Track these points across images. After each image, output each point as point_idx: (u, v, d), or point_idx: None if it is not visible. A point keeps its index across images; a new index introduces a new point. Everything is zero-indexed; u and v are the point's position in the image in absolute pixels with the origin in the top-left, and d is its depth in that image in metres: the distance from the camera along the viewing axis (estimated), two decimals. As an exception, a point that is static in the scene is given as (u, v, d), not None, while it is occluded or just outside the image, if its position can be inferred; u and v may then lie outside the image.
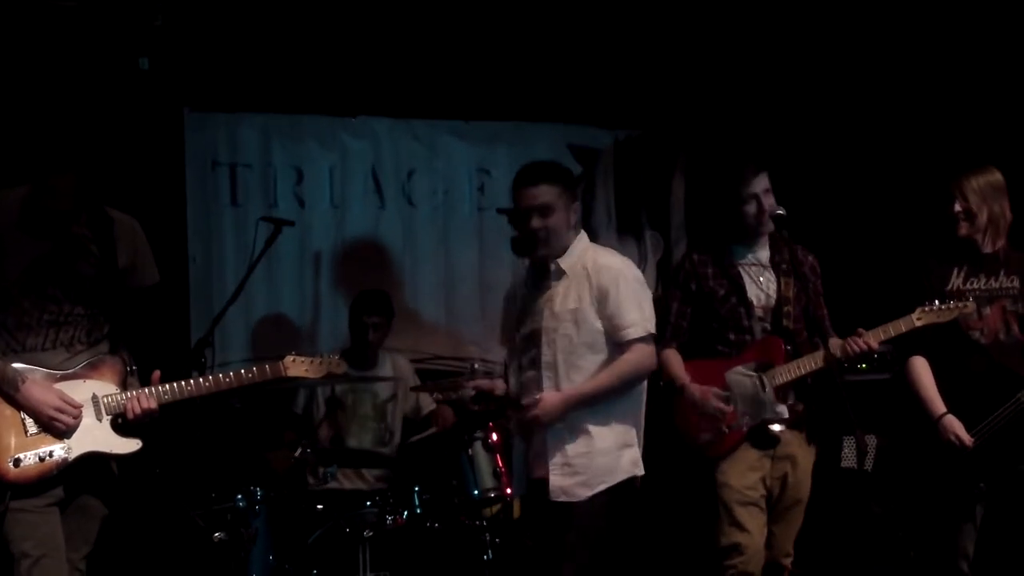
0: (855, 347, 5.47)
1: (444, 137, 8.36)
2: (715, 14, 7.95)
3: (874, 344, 5.47)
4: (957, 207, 5.57)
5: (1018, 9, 7.22)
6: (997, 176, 5.64)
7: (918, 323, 5.47)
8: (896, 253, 6.25)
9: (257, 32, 7.56)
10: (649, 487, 5.37)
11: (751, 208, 5.60)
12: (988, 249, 5.61)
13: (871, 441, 6.85)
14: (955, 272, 5.60)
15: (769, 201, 5.59)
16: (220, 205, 7.90)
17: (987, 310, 5.58)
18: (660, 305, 5.64)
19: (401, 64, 7.88)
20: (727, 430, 5.49)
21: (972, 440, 5.39)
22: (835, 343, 5.51)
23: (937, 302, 5.47)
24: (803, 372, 5.51)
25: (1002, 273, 5.61)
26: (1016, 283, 5.61)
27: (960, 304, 5.47)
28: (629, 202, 8.74)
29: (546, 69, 8.14)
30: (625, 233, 8.70)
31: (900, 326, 5.49)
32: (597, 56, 8.15)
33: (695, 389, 5.52)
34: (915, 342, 5.54)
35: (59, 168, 4.63)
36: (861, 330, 5.49)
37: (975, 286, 5.60)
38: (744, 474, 5.51)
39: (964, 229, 5.57)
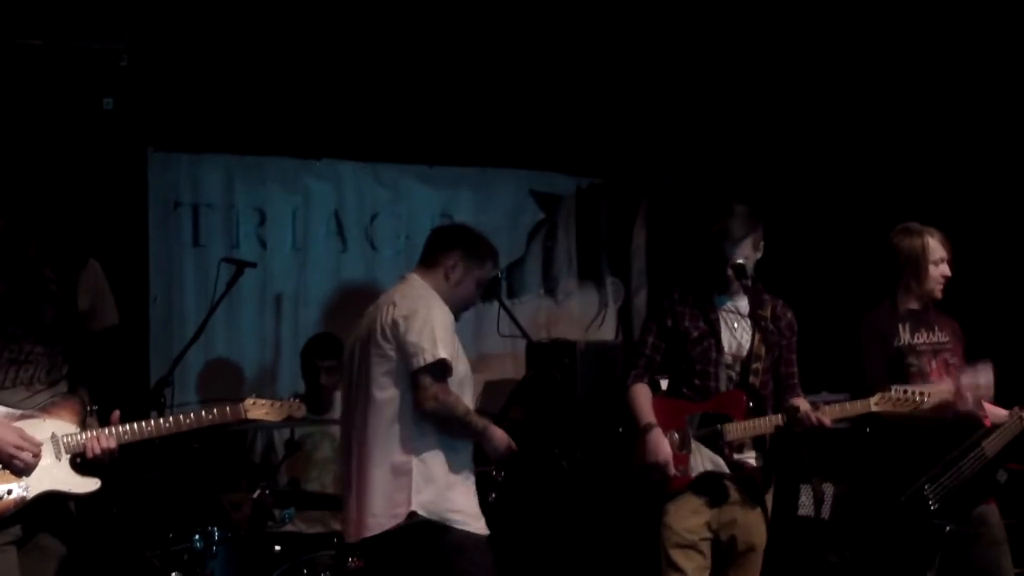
0: (810, 421, 5.46)
1: (408, 181, 8.40)
2: (679, 65, 8.04)
3: (827, 423, 5.49)
4: (949, 271, 5.74)
5: (983, 58, 7.35)
6: None
7: (875, 408, 5.51)
8: (849, 302, 6.31)
9: (222, 73, 7.59)
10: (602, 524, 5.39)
11: (732, 271, 5.60)
12: (920, 305, 5.80)
13: (828, 489, 6.88)
14: (901, 327, 5.73)
15: (750, 265, 5.62)
16: (182, 245, 7.90)
17: (934, 363, 5.70)
18: (636, 339, 5.75)
19: (366, 108, 7.92)
20: (678, 473, 5.51)
21: None
22: (800, 403, 5.52)
23: (897, 389, 5.51)
24: (756, 433, 5.56)
25: (936, 328, 5.80)
26: (948, 338, 5.80)
27: (918, 399, 5.47)
28: (590, 248, 8.80)
29: (510, 116, 8.20)
30: (586, 279, 8.75)
31: (857, 407, 5.55)
32: (561, 104, 8.22)
33: (659, 435, 5.53)
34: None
35: (28, 228, 4.64)
36: (821, 404, 5.55)
37: (920, 340, 5.72)
38: (687, 517, 5.53)
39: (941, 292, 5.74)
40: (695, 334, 5.64)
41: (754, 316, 5.66)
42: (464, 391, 5.39)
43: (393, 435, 5.26)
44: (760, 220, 5.69)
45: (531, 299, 8.61)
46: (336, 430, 7.09)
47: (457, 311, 5.49)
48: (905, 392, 5.50)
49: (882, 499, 5.60)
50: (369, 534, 5.30)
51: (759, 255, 5.67)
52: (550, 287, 8.67)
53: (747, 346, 5.64)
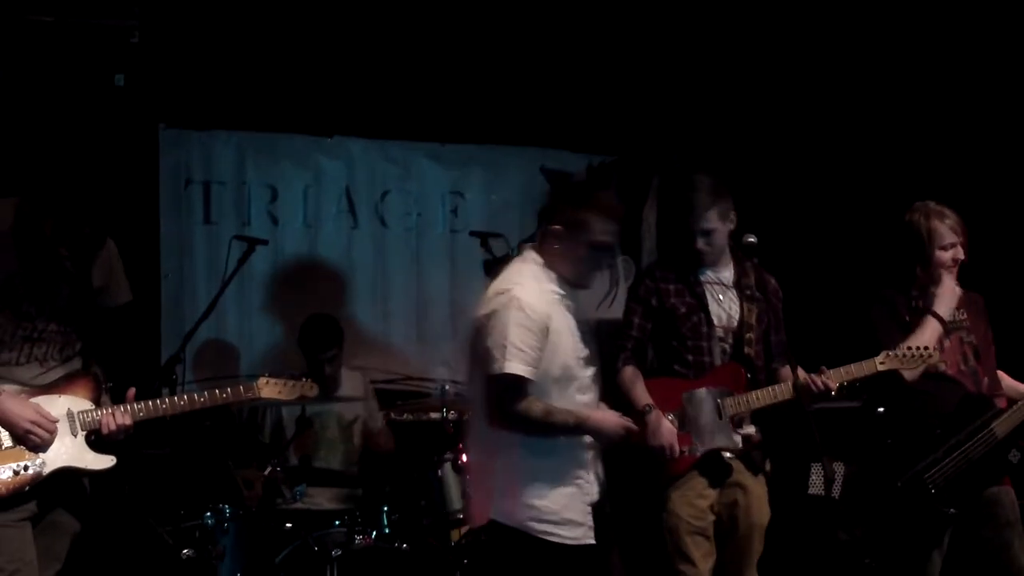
0: (816, 386, 5.40)
1: (418, 159, 8.39)
2: (692, 42, 8.02)
3: (833, 385, 5.41)
4: (961, 255, 5.68)
5: (982, 44, 7.33)
6: None
7: (881, 367, 5.47)
8: (860, 283, 6.28)
9: (233, 50, 7.58)
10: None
11: (699, 242, 5.54)
12: None
13: (838, 468, 6.86)
14: (913, 305, 5.68)
15: (721, 236, 5.55)
16: (193, 222, 7.91)
17: (947, 341, 5.66)
18: (622, 321, 5.67)
19: (377, 85, 7.91)
20: (685, 452, 5.38)
21: None
22: (800, 374, 5.42)
23: (902, 347, 5.48)
24: (759, 405, 5.46)
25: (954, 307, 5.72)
26: (966, 316, 5.75)
27: (925, 352, 5.47)
28: (601, 227, 8.77)
29: (521, 93, 8.18)
30: (597, 257, 8.74)
31: (863, 368, 5.48)
32: (572, 81, 8.20)
33: (659, 416, 5.36)
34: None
35: (42, 206, 4.65)
36: (824, 368, 5.45)
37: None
38: (692, 502, 5.43)
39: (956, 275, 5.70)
40: (683, 310, 5.55)
41: (739, 286, 5.61)
42: (561, 387, 4.84)
43: (481, 434, 4.90)
44: (726, 191, 5.57)
45: (542, 277, 8.60)
46: (344, 409, 7.13)
47: (576, 281, 5.04)
48: (910, 348, 5.46)
49: (891, 479, 5.57)
50: (472, 526, 5.21)
51: (730, 226, 5.56)
52: (561, 265, 8.65)
53: (737, 317, 5.57)
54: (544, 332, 4.77)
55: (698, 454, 5.41)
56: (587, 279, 5.01)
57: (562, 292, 4.92)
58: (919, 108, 7.83)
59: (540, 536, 4.77)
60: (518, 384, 4.72)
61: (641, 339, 5.62)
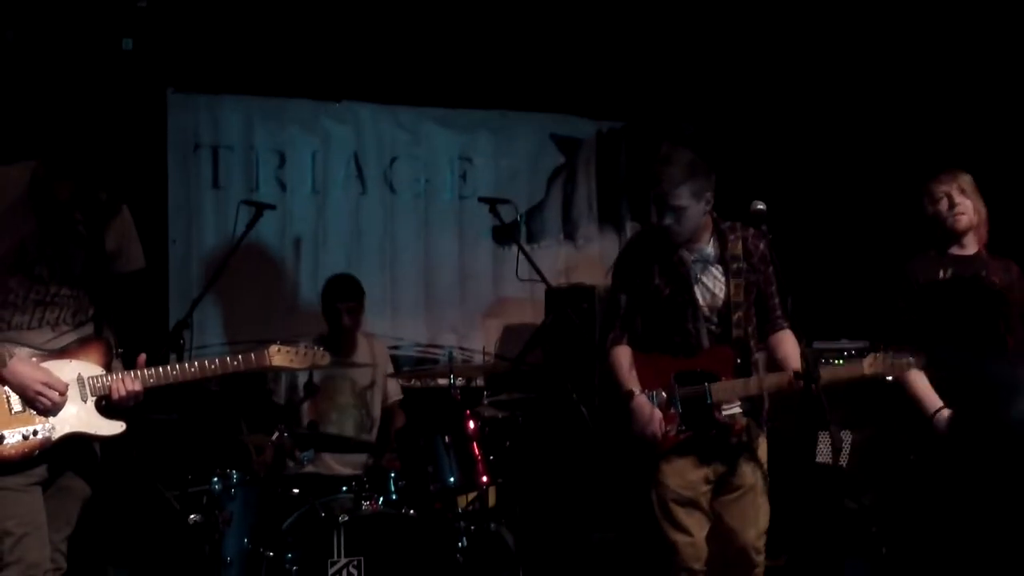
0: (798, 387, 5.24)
1: (427, 124, 8.38)
2: (703, 8, 7.98)
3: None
4: (957, 200, 5.60)
5: (995, 16, 7.28)
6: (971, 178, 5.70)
7: (868, 372, 5.39)
8: (880, 252, 6.24)
9: (241, 14, 7.57)
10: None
11: (668, 219, 5.37)
12: (971, 251, 5.64)
13: (846, 437, 6.89)
14: (940, 274, 5.58)
15: (693, 215, 5.35)
16: (201, 187, 7.91)
17: None
18: (608, 298, 5.62)
19: (386, 50, 7.89)
20: (670, 432, 5.33)
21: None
22: (800, 352, 5.27)
23: (891, 352, 5.41)
24: (744, 394, 5.37)
25: (985, 273, 5.61)
26: (999, 281, 5.62)
27: (910, 361, 5.43)
28: (611, 193, 8.78)
29: (531, 58, 8.16)
30: (606, 224, 8.74)
31: (851, 371, 5.43)
32: (582, 47, 8.18)
33: (643, 403, 5.34)
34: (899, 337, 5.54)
35: (55, 170, 4.64)
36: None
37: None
38: (682, 472, 5.38)
39: (963, 222, 5.60)
40: (666, 291, 5.42)
41: (723, 261, 5.44)
42: None
43: None
44: (705, 169, 5.37)
45: (550, 244, 8.61)
46: (357, 374, 7.13)
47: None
48: (898, 356, 5.39)
49: (904, 448, 5.56)
50: None
51: (705, 207, 5.36)
52: (570, 232, 8.66)
53: (722, 296, 5.42)
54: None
55: (682, 436, 5.37)
56: None
57: None
58: (933, 71, 7.77)
59: None
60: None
61: (629, 316, 5.51)
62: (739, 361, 5.41)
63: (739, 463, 5.47)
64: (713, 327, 5.43)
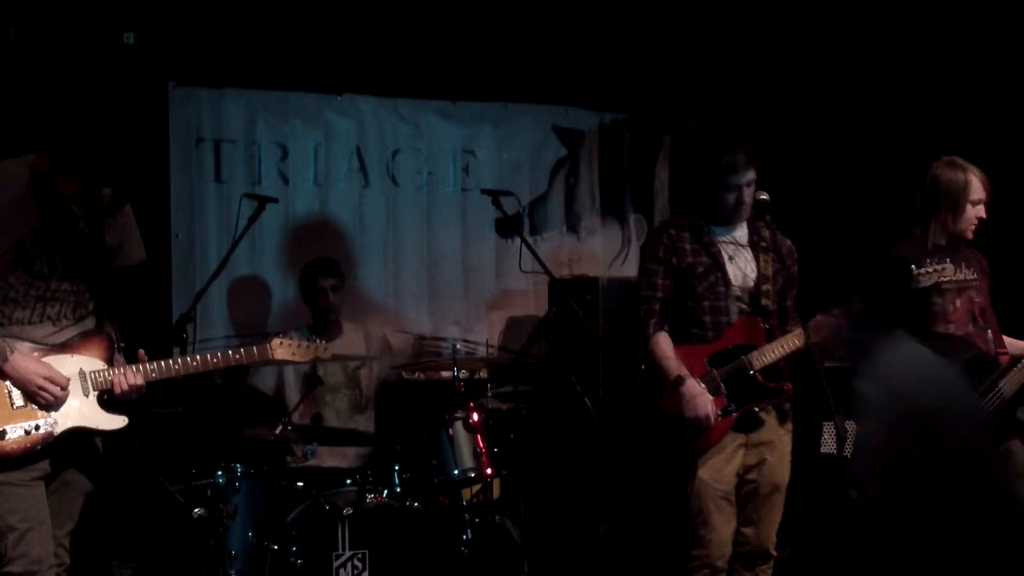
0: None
1: (429, 117, 8.37)
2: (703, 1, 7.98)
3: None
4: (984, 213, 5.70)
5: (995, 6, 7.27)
6: None
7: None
8: (871, 241, 6.25)
9: (243, 8, 7.55)
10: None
11: (731, 197, 5.53)
12: (950, 241, 5.75)
13: (851, 427, 6.86)
14: (927, 262, 5.58)
15: (750, 193, 5.53)
16: (204, 181, 7.89)
17: (958, 302, 5.68)
18: (642, 283, 5.64)
19: (388, 43, 7.88)
20: (719, 417, 5.41)
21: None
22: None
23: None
24: (786, 351, 5.46)
25: (963, 265, 5.74)
26: (974, 275, 5.76)
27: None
28: (613, 185, 8.77)
29: (533, 50, 8.15)
30: (609, 215, 8.73)
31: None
32: (584, 38, 8.17)
33: (694, 386, 5.40)
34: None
35: (55, 165, 4.64)
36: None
37: (948, 276, 5.64)
38: (720, 468, 5.48)
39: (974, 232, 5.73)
40: (700, 269, 5.54)
41: (753, 243, 5.62)
42: None
43: None
44: (757, 160, 5.58)
45: (553, 236, 8.59)
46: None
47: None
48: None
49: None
50: None
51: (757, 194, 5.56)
52: (572, 224, 8.64)
53: (753, 276, 5.57)
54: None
55: (734, 416, 5.46)
56: None
57: None
58: (935, 62, 7.75)
59: None
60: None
61: (667, 299, 5.59)
62: (767, 327, 5.54)
63: (774, 460, 5.60)
64: (743, 306, 5.56)
